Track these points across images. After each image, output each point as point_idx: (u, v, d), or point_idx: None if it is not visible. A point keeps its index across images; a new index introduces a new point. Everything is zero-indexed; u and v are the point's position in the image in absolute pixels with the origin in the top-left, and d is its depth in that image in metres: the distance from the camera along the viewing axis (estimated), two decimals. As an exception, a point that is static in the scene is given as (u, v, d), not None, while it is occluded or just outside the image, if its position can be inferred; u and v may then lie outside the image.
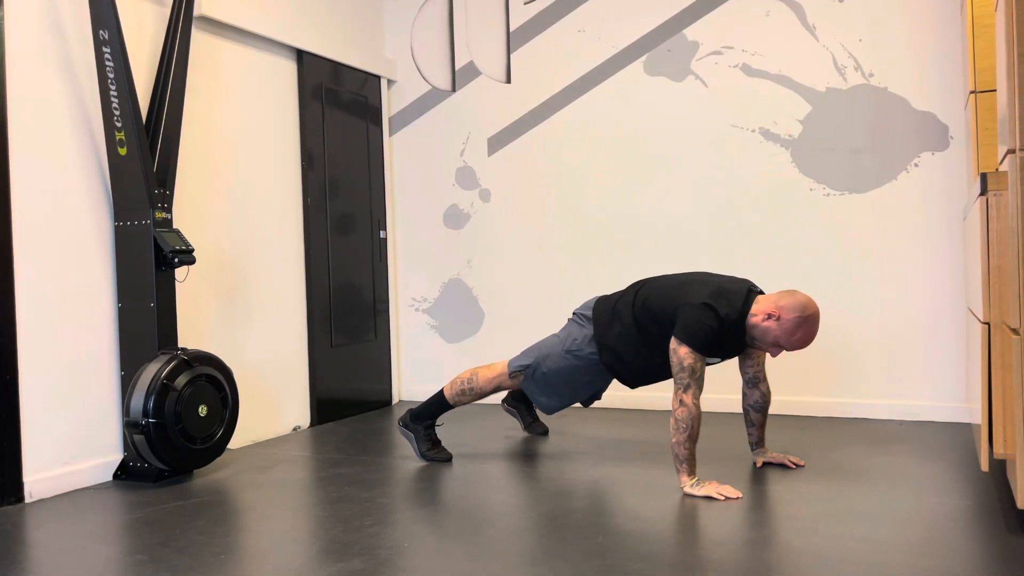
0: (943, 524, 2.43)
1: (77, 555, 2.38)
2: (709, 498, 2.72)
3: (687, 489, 2.79)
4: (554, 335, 3.30)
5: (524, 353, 3.32)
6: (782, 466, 3.12)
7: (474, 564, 2.22)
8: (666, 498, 2.76)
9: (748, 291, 2.90)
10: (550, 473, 3.16)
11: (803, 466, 3.10)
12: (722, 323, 2.83)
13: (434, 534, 2.48)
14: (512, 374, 3.29)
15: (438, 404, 3.39)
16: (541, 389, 3.28)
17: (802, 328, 2.80)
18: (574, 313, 3.30)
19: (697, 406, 2.79)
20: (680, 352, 2.81)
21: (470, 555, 2.29)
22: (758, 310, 2.84)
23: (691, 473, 2.81)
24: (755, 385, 3.14)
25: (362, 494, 2.91)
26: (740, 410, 4.06)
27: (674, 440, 2.81)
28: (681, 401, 2.79)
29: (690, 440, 2.79)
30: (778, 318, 2.81)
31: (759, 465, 3.12)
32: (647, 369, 3.10)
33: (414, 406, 3.53)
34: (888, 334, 3.97)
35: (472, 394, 3.34)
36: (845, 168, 4.03)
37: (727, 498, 2.71)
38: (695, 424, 2.78)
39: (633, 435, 3.76)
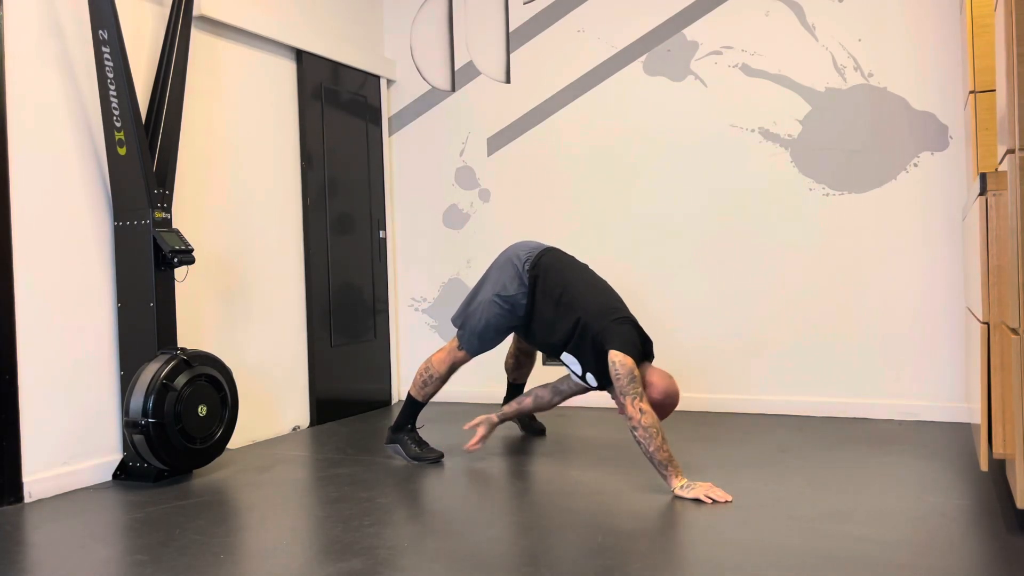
0: (943, 524, 2.43)
1: (77, 555, 2.38)
2: (698, 501, 2.72)
3: (677, 491, 2.78)
4: (483, 282, 3.31)
5: (456, 314, 3.35)
6: (780, 467, 3.11)
7: (473, 564, 2.22)
8: (665, 498, 2.76)
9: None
10: (549, 473, 3.16)
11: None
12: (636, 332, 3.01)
13: (433, 534, 2.48)
14: (459, 345, 3.33)
15: (410, 407, 3.40)
16: (473, 335, 3.29)
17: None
18: (512, 256, 3.28)
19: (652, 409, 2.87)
20: (621, 361, 2.87)
21: (469, 555, 2.28)
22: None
23: (678, 475, 2.82)
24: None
25: (362, 494, 2.91)
26: (739, 410, 4.09)
27: (652, 448, 2.80)
28: (641, 410, 2.82)
29: (664, 442, 2.82)
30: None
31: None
32: (550, 343, 3.17)
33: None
34: (888, 334, 3.97)
35: (434, 381, 3.35)
36: (844, 168, 4.03)
37: (715, 501, 2.70)
38: (660, 426, 2.83)
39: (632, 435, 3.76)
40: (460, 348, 3.33)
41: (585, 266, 3.28)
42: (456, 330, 3.37)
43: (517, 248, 3.31)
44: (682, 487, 2.78)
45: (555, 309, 3.11)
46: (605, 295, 3.12)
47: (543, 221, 4.61)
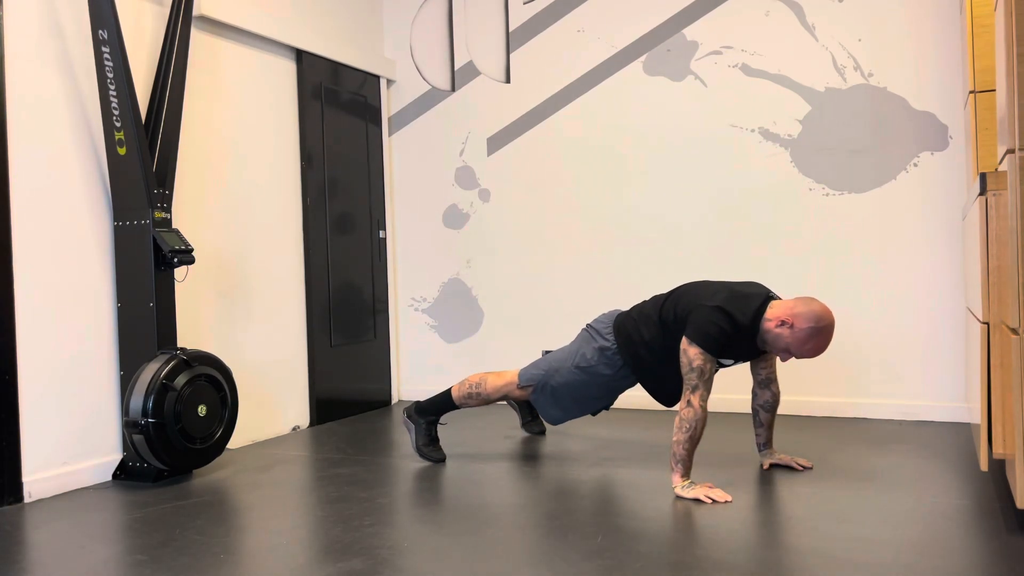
0: (943, 524, 2.43)
1: (76, 555, 2.38)
2: (697, 500, 2.71)
3: (677, 490, 2.78)
4: (564, 348, 3.29)
5: (534, 365, 3.30)
6: (780, 467, 3.12)
7: (474, 564, 2.22)
8: (666, 498, 2.76)
9: (766, 297, 2.89)
10: (550, 473, 3.17)
11: (811, 468, 3.08)
12: (735, 326, 2.83)
13: (434, 534, 2.48)
14: (521, 386, 3.28)
15: (444, 403, 3.39)
16: (550, 402, 3.27)
17: (815, 339, 2.79)
18: (588, 326, 3.27)
19: (703, 408, 2.77)
20: (690, 352, 2.81)
21: (470, 555, 2.29)
22: (773, 315, 2.83)
23: (685, 475, 2.80)
24: (766, 386, 3.13)
25: (362, 494, 2.91)
26: (744, 410, 4.08)
27: (675, 439, 2.79)
28: (688, 402, 2.78)
29: (690, 441, 2.78)
30: (791, 326, 2.80)
31: (766, 467, 3.11)
32: (678, 385, 3.06)
33: (421, 399, 3.51)
34: (887, 334, 3.97)
35: (479, 399, 3.34)
36: (844, 168, 4.03)
37: (715, 501, 2.70)
38: (699, 426, 2.77)
39: (633, 435, 3.77)
40: (521, 388, 3.29)
41: (657, 296, 3.16)
42: (523, 367, 3.35)
43: (595, 321, 3.26)
44: (683, 487, 2.78)
45: (659, 354, 3.03)
46: (696, 294, 2.96)
47: (543, 221, 4.61)
